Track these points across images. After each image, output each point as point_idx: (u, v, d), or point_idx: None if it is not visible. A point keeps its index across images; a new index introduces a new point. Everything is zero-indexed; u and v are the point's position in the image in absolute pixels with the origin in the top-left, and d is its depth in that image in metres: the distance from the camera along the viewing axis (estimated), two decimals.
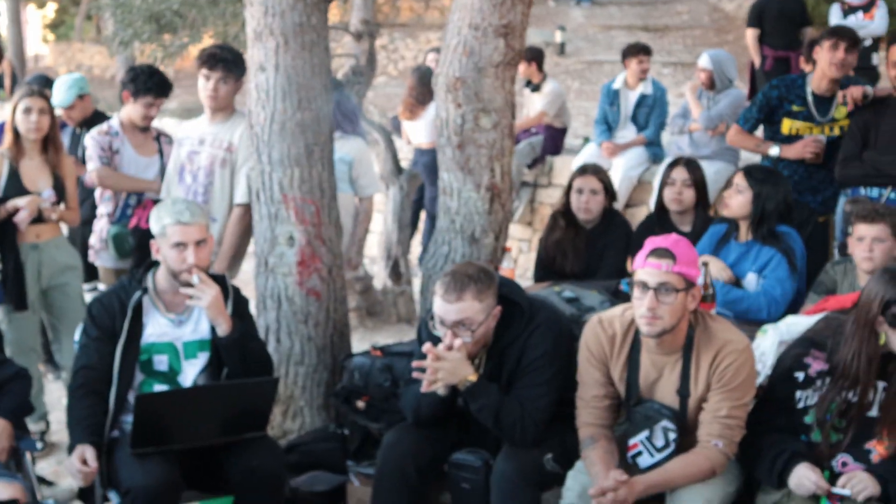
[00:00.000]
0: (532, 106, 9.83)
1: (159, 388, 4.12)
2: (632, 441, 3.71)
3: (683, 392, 3.64)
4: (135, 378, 4.12)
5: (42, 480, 5.20)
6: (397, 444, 4.03)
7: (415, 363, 3.85)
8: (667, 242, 3.60)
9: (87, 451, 3.80)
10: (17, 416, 4.18)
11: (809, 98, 5.66)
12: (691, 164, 5.38)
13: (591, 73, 16.66)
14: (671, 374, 3.67)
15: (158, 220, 4.12)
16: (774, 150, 5.65)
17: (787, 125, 5.68)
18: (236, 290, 4.31)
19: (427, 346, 3.79)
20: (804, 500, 3.41)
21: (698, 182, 5.32)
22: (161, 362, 4.15)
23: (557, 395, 3.91)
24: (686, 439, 3.63)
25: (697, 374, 3.62)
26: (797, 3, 9.79)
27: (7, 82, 17.14)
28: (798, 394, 3.58)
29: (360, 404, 4.83)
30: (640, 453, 3.69)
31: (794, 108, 5.65)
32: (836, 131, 5.62)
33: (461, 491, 4.02)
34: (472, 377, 3.82)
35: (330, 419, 5.22)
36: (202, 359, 4.19)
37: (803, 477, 3.39)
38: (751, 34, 9.75)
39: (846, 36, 5.53)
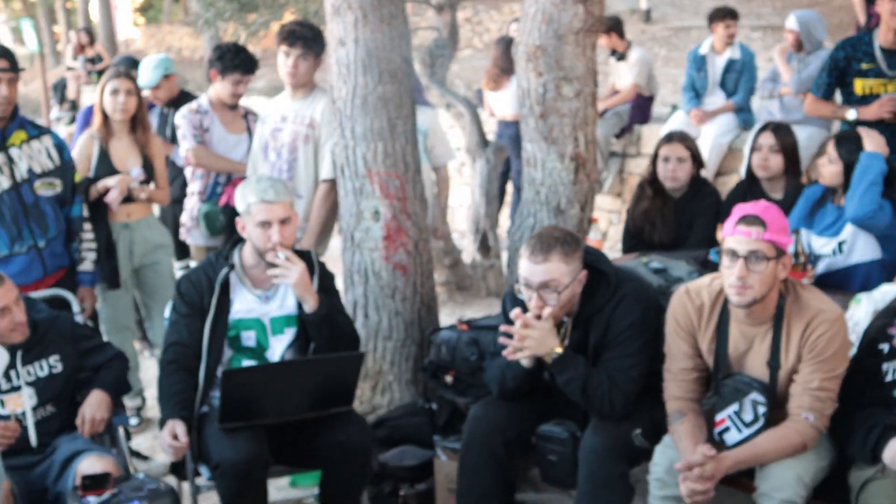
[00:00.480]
0: (619, 76, 9.70)
1: (247, 363, 4.16)
2: (719, 416, 3.61)
3: (774, 363, 3.53)
4: (223, 354, 4.17)
5: (138, 455, 5.33)
6: (483, 417, 4.01)
7: (502, 328, 3.80)
8: (756, 209, 3.50)
9: (178, 427, 3.84)
10: (116, 393, 4.26)
11: (878, 53, 5.48)
12: (780, 130, 5.23)
13: (677, 39, 16.39)
14: (761, 346, 3.58)
15: (243, 198, 4.14)
16: (852, 114, 5.50)
17: (860, 85, 5.52)
18: (322, 266, 4.32)
19: (516, 312, 3.73)
20: None
21: (787, 148, 5.17)
22: (249, 338, 4.19)
23: (646, 368, 3.84)
24: (776, 413, 3.53)
25: (788, 345, 3.52)
26: None
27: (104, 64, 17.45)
28: (885, 366, 3.46)
29: (448, 379, 4.82)
30: (727, 429, 3.59)
31: (864, 66, 5.49)
32: None
33: (548, 463, 3.98)
34: (559, 349, 3.77)
35: (418, 394, 5.22)
36: (289, 334, 4.21)
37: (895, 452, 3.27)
38: None
39: None
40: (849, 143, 4.74)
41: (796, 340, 3.50)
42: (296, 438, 4.01)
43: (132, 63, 7.41)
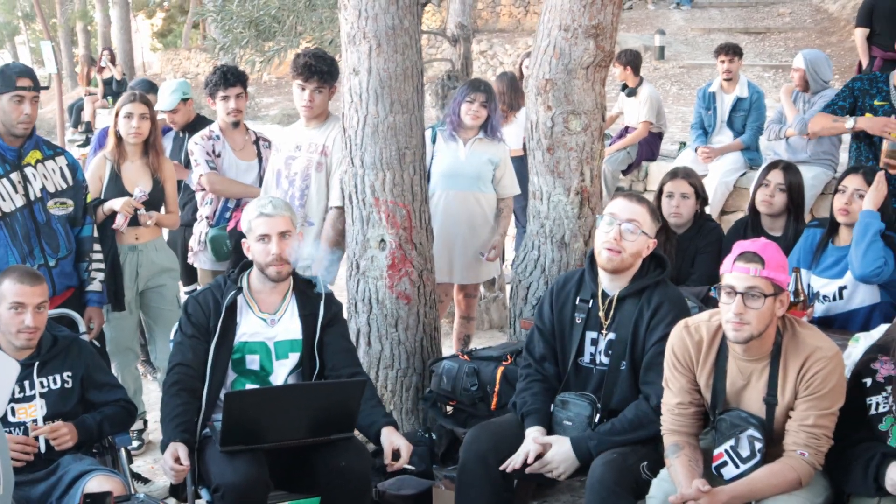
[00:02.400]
0: (629, 112, 9.75)
1: (251, 387, 4.19)
2: (717, 451, 3.64)
3: (770, 399, 3.56)
4: (227, 376, 4.20)
5: (138, 477, 5.34)
6: (478, 439, 4.04)
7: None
8: (755, 246, 3.54)
9: (180, 450, 3.86)
10: (97, 437, 4.27)
11: (892, 91, 5.52)
12: (789, 169, 5.25)
13: (690, 77, 16.46)
14: (758, 382, 3.60)
15: (245, 218, 4.23)
16: (849, 122, 5.56)
17: None
18: (329, 295, 4.36)
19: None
20: None
21: (793, 187, 5.19)
22: (253, 361, 4.22)
23: None
24: (772, 450, 3.55)
25: (785, 382, 3.55)
26: None
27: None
28: (869, 400, 3.50)
29: (448, 409, 4.85)
30: (724, 463, 3.62)
31: (876, 102, 5.54)
32: None
33: (562, 428, 4.02)
34: None
35: (419, 423, 5.25)
36: (293, 359, 4.24)
37: None
38: (860, 34, 9.47)
39: None
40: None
41: (793, 377, 3.52)
42: (296, 463, 4.02)
43: (150, 86, 7.48)
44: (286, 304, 4.27)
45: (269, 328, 4.24)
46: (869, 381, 3.52)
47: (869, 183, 4.78)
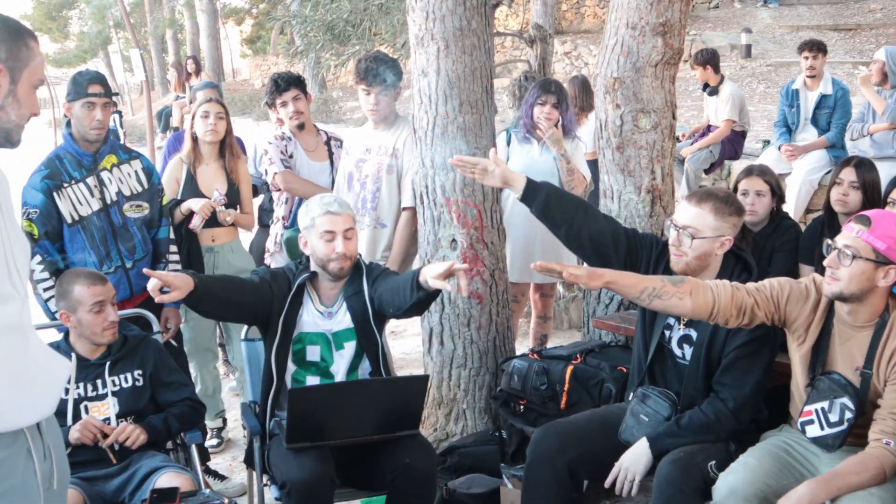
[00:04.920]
0: (712, 110, 9.63)
1: (312, 379, 4.24)
2: (807, 408, 3.61)
3: (867, 370, 3.51)
4: (287, 370, 4.27)
5: (215, 474, 5.43)
6: (545, 438, 3.99)
7: None
8: (873, 213, 3.55)
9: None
10: (166, 436, 4.33)
11: None
12: (862, 166, 5.13)
13: (777, 75, 16.19)
14: (857, 350, 3.56)
15: (307, 214, 4.27)
16: None
17: None
18: (369, 265, 4.41)
19: None
20: None
21: (867, 184, 5.06)
22: (314, 353, 4.27)
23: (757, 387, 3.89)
24: (857, 429, 3.50)
25: (881, 358, 3.49)
26: None
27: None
28: None
29: (519, 408, 4.84)
30: (811, 422, 3.59)
31: None
32: None
33: (637, 420, 4.00)
34: None
35: (491, 422, 5.24)
36: (349, 349, 4.28)
37: None
38: None
39: None
40: None
41: (888, 356, 3.48)
42: (362, 460, 4.05)
43: (212, 87, 7.63)
44: (342, 298, 4.32)
45: (326, 321, 4.29)
46: None
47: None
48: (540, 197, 4.12)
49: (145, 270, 3.97)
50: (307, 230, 4.27)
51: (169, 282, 3.83)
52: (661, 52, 4.88)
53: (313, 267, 4.32)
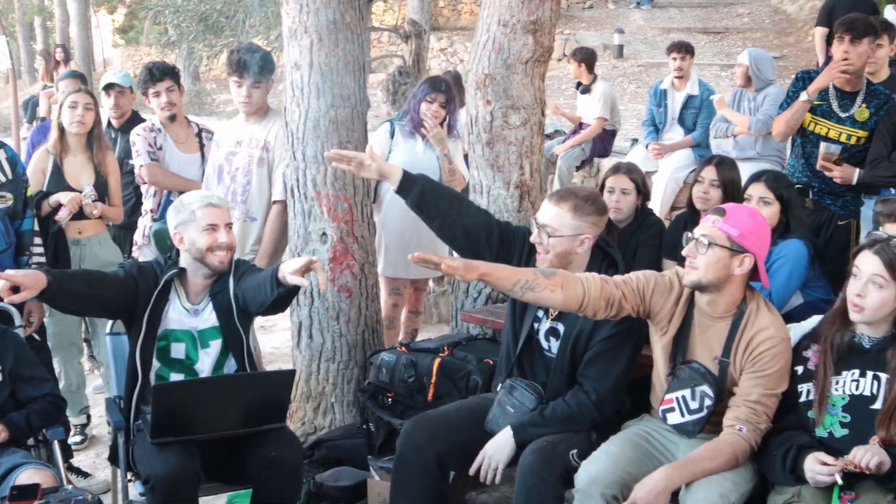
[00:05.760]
0: (584, 109, 9.81)
1: (176, 376, 4.20)
2: (668, 396, 3.73)
3: (724, 359, 3.65)
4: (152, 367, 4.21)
5: (78, 471, 5.33)
6: (414, 431, 4.03)
7: None
8: (730, 206, 3.72)
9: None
10: (27, 433, 4.21)
11: (831, 91, 5.58)
12: (723, 165, 5.27)
13: (647, 75, 16.55)
14: (715, 340, 3.70)
15: (184, 208, 4.22)
16: (803, 97, 5.55)
17: (808, 119, 5.63)
18: (235, 262, 4.37)
19: None
20: (815, 499, 3.36)
21: (728, 183, 5.19)
22: (178, 350, 4.24)
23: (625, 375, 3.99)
24: (715, 417, 3.64)
25: (738, 347, 3.64)
26: (869, 4, 9.55)
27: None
28: (800, 388, 3.57)
29: (386, 400, 4.86)
30: (672, 409, 3.72)
31: (816, 101, 5.59)
32: (853, 139, 5.54)
33: (503, 412, 4.06)
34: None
35: (359, 415, 5.26)
36: (215, 347, 4.26)
37: (814, 469, 3.34)
38: (819, 33, 9.57)
39: (853, 28, 5.44)
40: (777, 182, 4.83)
41: (744, 346, 3.63)
42: (228, 455, 4.01)
43: (75, 76, 7.49)
44: (208, 296, 4.29)
45: (192, 318, 4.26)
46: (801, 370, 3.60)
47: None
48: (415, 189, 4.15)
49: None
50: (185, 224, 4.20)
51: (18, 281, 3.76)
52: (531, 49, 4.95)
53: (185, 262, 4.27)
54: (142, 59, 27.59)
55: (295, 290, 3.99)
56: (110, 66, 30.92)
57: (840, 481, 3.29)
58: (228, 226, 4.23)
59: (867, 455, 3.24)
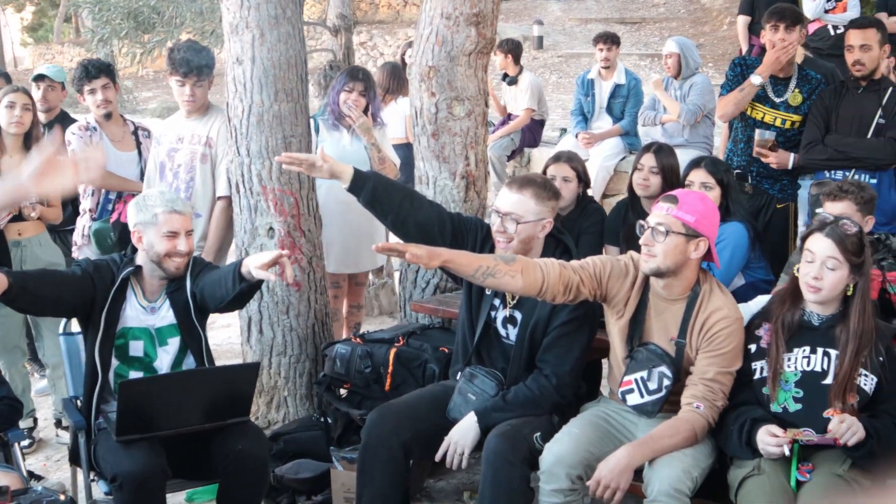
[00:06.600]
0: (509, 98, 9.91)
1: (135, 374, 4.19)
2: (627, 378, 3.83)
3: (680, 339, 3.77)
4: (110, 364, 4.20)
5: (31, 475, 5.27)
6: (380, 421, 4.08)
7: None
8: (680, 192, 3.85)
9: None
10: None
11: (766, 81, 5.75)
12: (661, 151, 5.37)
13: (568, 66, 16.76)
14: (671, 321, 3.81)
15: (147, 209, 4.18)
16: (756, 80, 5.66)
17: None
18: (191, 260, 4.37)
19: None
20: (774, 471, 3.49)
21: (666, 169, 5.30)
22: (136, 348, 4.23)
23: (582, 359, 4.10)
24: (674, 397, 3.76)
25: (693, 328, 3.76)
26: None
27: None
28: (753, 365, 3.71)
29: (342, 392, 4.91)
30: (631, 391, 3.83)
31: None
32: (788, 124, 5.70)
33: (465, 400, 4.15)
34: None
35: (313, 409, 5.29)
36: (173, 344, 4.27)
37: (765, 440, 3.48)
38: (741, 21, 9.75)
39: (784, 16, 5.61)
40: (716, 167, 4.98)
41: (699, 326, 3.75)
42: (193, 450, 4.02)
43: (6, 77, 7.39)
44: (164, 294, 4.29)
45: (149, 316, 4.26)
46: (754, 348, 3.73)
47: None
48: (367, 187, 4.19)
49: None
50: (145, 225, 4.18)
51: None
52: (474, 41, 5.02)
53: (141, 261, 4.25)
54: (54, 58, 27.12)
55: (257, 285, 4.02)
56: (21, 64, 30.29)
57: (787, 453, 3.42)
58: (189, 232, 4.22)
59: (848, 433, 3.37)
